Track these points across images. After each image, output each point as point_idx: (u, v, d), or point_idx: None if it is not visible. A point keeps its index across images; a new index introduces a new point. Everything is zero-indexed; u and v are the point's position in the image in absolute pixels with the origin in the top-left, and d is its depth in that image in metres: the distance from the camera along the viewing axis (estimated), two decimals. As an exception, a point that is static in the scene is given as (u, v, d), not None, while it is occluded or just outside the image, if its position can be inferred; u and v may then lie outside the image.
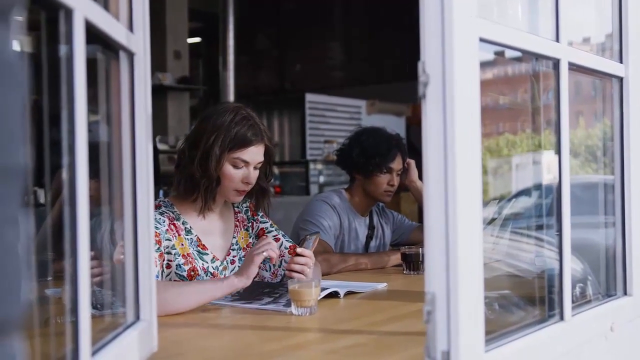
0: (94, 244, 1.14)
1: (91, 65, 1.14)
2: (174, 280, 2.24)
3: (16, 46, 0.64)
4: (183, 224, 2.32)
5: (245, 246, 2.46)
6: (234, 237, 2.44)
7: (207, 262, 2.32)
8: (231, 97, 8.69)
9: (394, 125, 6.56)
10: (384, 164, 3.10)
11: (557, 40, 1.60)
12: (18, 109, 0.63)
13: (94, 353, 1.15)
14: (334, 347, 1.65)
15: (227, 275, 2.29)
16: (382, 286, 2.47)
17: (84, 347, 1.07)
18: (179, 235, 2.28)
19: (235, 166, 2.28)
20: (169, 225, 2.24)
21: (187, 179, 2.30)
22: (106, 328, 1.39)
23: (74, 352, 1.07)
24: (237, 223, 2.48)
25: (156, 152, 5.13)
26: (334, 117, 8.45)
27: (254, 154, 2.30)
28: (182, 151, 2.33)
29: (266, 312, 2.01)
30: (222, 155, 2.25)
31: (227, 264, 2.39)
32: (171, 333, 1.78)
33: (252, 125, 2.28)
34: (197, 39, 10.55)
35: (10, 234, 0.62)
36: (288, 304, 2.00)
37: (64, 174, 1.06)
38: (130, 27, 1.43)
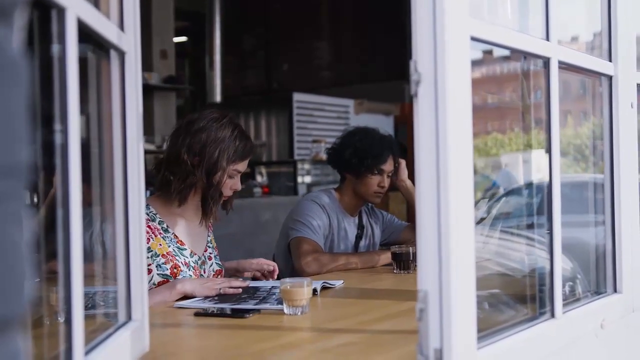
0: (84, 246, 1.13)
1: (81, 64, 1.13)
2: (157, 283, 2.31)
3: (18, 45, 0.64)
4: (159, 223, 2.39)
5: (215, 246, 2.60)
6: (209, 236, 2.57)
7: (187, 257, 2.41)
8: (218, 97, 8.69)
9: (383, 124, 6.57)
10: (375, 165, 3.10)
11: (547, 39, 1.61)
12: (21, 107, 0.63)
13: (86, 353, 1.14)
14: (327, 345, 1.66)
15: (204, 271, 2.47)
16: (339, 283, 2.48)
17: (77, 347, 1.06)
18: (156, 236, 2.36)
19: (230, 176, 2.42)
20: None
21: (189, 188, 2.37)
22: (97, 328, 1.38)
23: (67, 351, 1.06)
24: (209, 224, 2.60)
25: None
26: (322, 117, 8.44)
27: (246, 164, 2.48)
28: (180, 157, 2.35)
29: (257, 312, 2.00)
30: (227, 169, 2.39)
31: (205, 259, 2.50)
32: (163, 333, 1.78)
33: (248, 139, 2.46)
34: (183, 38, 10.53)
35: (14, 232, 0.62)
36: (280, 302, 2.00)
37: (57, 175, 1.06)
38: (121, 26, 1.42)
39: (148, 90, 7.55)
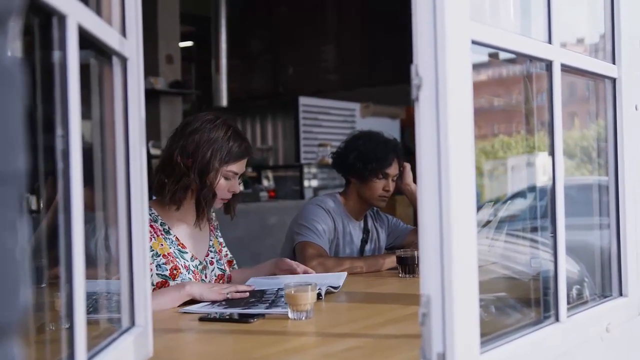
0: (88, 251, 1.14)
1: (84, 70, 1.13)
2: (156, 283, 2.32)
3: (14, 52, 0.64)
4: (161, 225, 2.40)
5: (217, 250, 2.59)
6: (210, 240, 2.57)
7: (187, 261, 2.41)
8: (224, 102, 8.68)
9: (389, 128, 6.56)
10: (380, 169, 3.09)
11: (550, 41, 1.60)
12: (17, 115, 0.63)
13: (89, 359, 1.15)
14: (331, 350, 1.65)
15: (206, 276, 2.48)
16: (342, 277, 2.53)
17: (79, 353, 1.07)
18: (158, 236, 2.37)
19: (226, 178, 2.41)
20: None
21: (182, 189, 2.38)
22: (101, 334, 1.38)
23: (70, 357, 1.06)
24: (211, 228, 2.60)
25: (149, 157, 5.17)
26: (328, 121, 8.45)
27: (243, 165, 2.46)
28: (173, 159, 2.37)
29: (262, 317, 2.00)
30: (220, 169, 2.37)
31: (207, 264, 2.50)
32: (166, 339, 1.78)
33: (243, 140, 2.44)
34: (189, 43, 10.54)
35: (9, 239, 0.62)
36: (286, 306, 1.99)
37: (59, 180, 1.06)
38: (123, 33, 1.42)
39: (154, 95, 7.56)
